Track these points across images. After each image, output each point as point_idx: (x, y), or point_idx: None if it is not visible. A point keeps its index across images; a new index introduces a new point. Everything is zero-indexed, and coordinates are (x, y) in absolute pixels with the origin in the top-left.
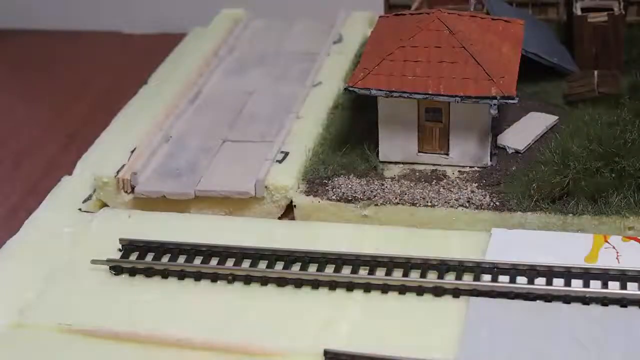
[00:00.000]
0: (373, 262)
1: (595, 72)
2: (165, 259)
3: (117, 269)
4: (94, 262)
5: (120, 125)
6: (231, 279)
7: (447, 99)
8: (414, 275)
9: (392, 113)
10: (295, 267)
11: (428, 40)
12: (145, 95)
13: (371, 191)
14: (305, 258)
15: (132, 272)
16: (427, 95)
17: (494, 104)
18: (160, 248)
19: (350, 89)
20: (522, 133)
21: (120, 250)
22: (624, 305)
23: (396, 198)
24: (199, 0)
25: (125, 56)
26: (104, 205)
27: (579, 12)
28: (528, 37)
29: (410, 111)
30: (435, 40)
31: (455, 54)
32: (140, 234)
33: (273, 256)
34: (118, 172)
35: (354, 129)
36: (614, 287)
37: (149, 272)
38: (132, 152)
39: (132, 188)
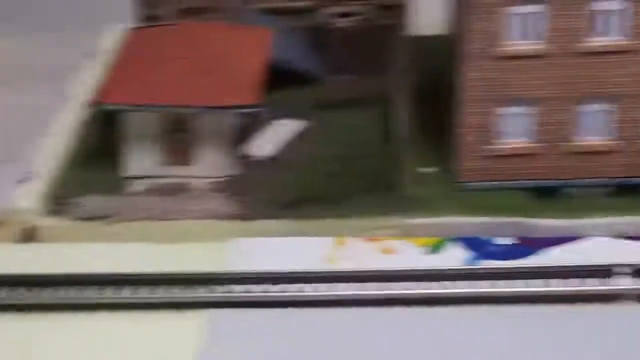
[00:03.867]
0: (118, 280)
1: (344, 78)
2: None
3: None
4: None
5: None
6: None
7: (191, 110)
8: (159, 291)
9: (138, 127)
10: (37, 291)
11: (175, 53)
12: None
13: (118, 208)
14: (46, 281)
15: None
16: (172, 108)
17: (239, 114)
18: None
19: (96, 104)
20: (270, 140)
21: None
22: (362, 306)
23: (143, 213)
24: None
25: None
26: None
27: (330, 18)
28: (279, 45)
29: (156, 125)
30: (181, 52)
31: (202, 65)
32: None
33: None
34: None
35: (101, 145)
36: (353, 289)
37: None
38: None
39: None
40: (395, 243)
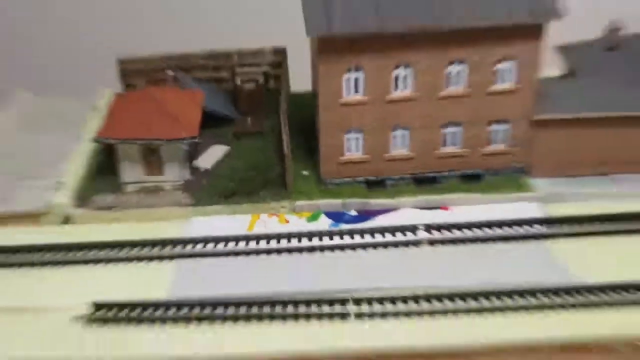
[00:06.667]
0: (124, 243)
1: (249, 118)
2: None
3: None
4: None
5: None
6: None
7: (158, 142)
8: (134, 251)
9: (126, 153)
10: (75, 251)
11: (144, 106)
12: None
13: (118, 202)
14: (80, 246)
15: None
16: (146, 140)
17: (185, 142)
18: None
19: (99, 139)
20: (209, 158)
21: None
22: (268, 254)
23: (133, 205)
24: None
25: None
26: None
27: (238, 83)
28: (209, 99)
29: (137, 151)
30: (148, 105)
31: (160, 113)
32: None
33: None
34: None
35: (105, 165)
36: (263, 244)
37: None
38: None
39: None
40: (288, 217)
